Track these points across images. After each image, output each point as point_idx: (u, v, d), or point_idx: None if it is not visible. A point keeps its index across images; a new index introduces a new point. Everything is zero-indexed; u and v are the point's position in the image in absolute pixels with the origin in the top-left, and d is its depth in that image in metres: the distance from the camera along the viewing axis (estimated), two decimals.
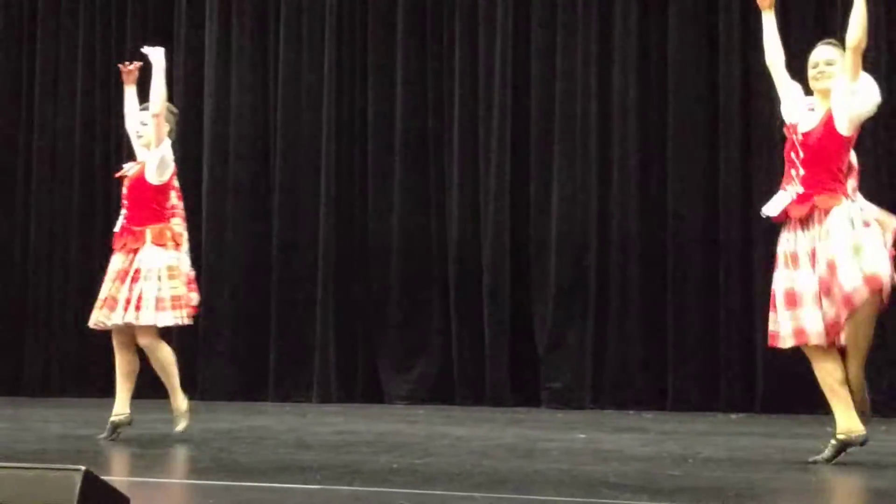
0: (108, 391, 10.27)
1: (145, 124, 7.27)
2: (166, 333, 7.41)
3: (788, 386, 8.42)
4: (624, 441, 7.15)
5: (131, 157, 7.65)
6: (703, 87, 9.37)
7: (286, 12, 10.47)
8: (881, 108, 6.12)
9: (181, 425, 7.18)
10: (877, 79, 6.04)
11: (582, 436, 7.49)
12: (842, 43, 6.03)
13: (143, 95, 7.45)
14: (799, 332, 5.86)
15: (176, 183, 7.36)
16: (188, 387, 7.38)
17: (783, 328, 5.91)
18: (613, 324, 9.46)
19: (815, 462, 5.92)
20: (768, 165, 9.01)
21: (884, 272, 5.73)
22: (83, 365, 10.43)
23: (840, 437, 5.89)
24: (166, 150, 7.20)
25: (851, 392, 5.89)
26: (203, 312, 8.93)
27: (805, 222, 5.91)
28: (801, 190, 5.94)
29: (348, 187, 10.24)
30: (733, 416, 8.82)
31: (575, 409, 9.32)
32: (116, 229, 7.32)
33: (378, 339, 10.09)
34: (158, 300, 7.05)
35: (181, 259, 7.22)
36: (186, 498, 5.52)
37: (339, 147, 10.24)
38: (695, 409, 9.03)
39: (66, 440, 7.24)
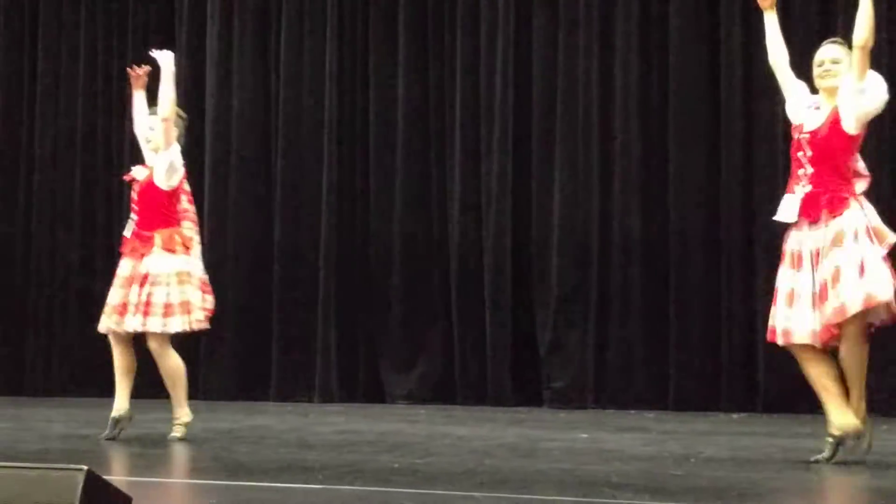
0: (110, 391, 10.28)
1: (153, 129, 7.26)
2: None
3: (790, 385, 8.39)
4: (626, 441, 7.15)
5: (138, 160, 7.64)
6: (705, 86, 9.36)
7: (287, 12, 10.47)
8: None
9: (178, 433, 7.16)
10: None
11: (584, 435, 7.49)
12: (846, 41, 6.03)
13: (151, 99, 7.46)
14: (786, 333, 5.90)
15: (186, 187, 7.36)
16: (189, 386, 7.37)
17: (779, 326, 5.93)
18: (615, 323, 9.46)
19: (816, 462, 5.92)
20: (770, 164, 9.02)
21: (884, 293, 5.72)
22: (85, 364, 10.42)
23: (835, 433, 5.90)
24: (175, 155, 7.19)
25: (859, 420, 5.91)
26: None
27: (813, 221, 5.91)
28: (808, 189, 5.94)
29: (350, 187, 10.24)
30: (735, 415, 8.82)
31: (576, 408, 9.32)
32: (126, 234, 7.29)
33: (380, 338, 10.09)
34: (167, 306, 7.03)
35: (191, 263, 7.20)
36: (188, 497, 5.53)
37: (341, 147, 10.25)
38: (696, 408, 9.03)
39: (69, 440, 7.25)
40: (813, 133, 5.96)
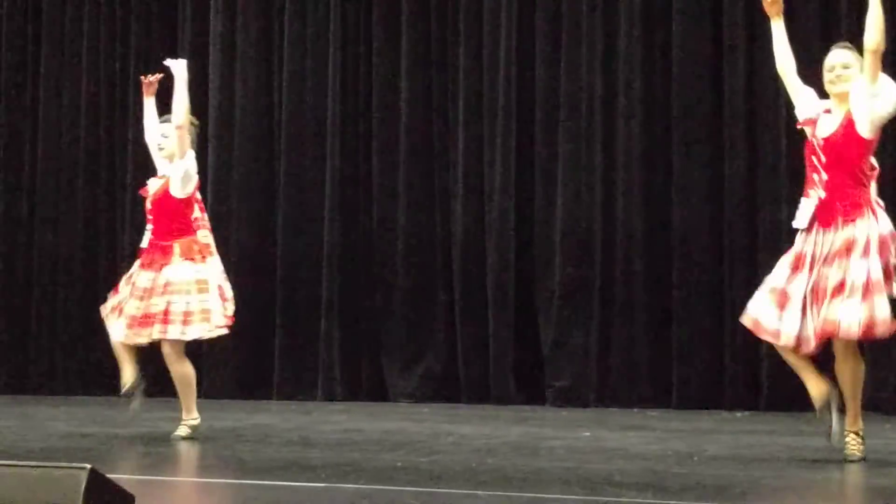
0: (114, 389, 10.32)
1: (166, 136, 7.23)
2: None
3: (793, 384, 8.37)
4: (629, 439, 7.16)
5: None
6: (708, 86, 9.35)
7: (290, 11, 10.46)
8: None
9: (182, 432, 7.15)
10: None
11: (587, 434, 7.49)
12: (855, 45, 6.03)
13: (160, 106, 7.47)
14: (775, 334, 5.92)
15: (198, 195, 7.35)
16: None
17: (764, 317, 5.95)
18: (618, 322, 9.45)
19: (829, 436, 5.92)
20: (773, 164, 9.02)
21: (882, 327, 5.72)
22: (88, 363, 10.43)
23: (818, 404, 5.93)
24: (190, 163, 7.17)
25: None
26: None
27: (826, 227, 5.90)
28: (823, 195, 5.92)
29: (353, 186, 10.24)
30: (738, 413, 8.82)
31: (580, 407, 9.31)
32: (143, 245, 7.26)
33: (383, 337, 10.09)
34: (186, 314, 7.01)
35: (209, 272, 7.18)
36: (191, 496, 5.53)
37: (344, 146, 10.24)
38: (700, 407, 9.02)
39: (72, 438, 7.25)
40: (827, 140, 5.95)
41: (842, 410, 5.97)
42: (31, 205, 10.94)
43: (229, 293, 7.24)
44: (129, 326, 7.08)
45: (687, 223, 9.29)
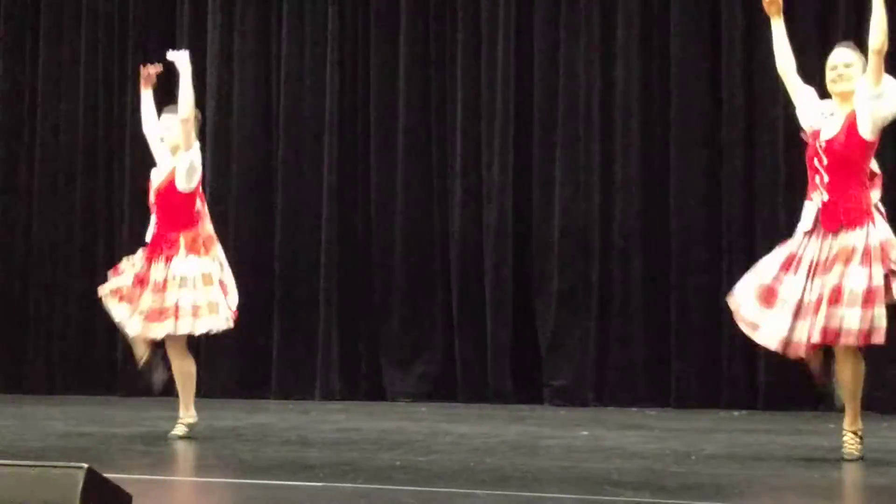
0: (112, 389, 10.33)
1: (170, 129, 7.22)
2: None
3: (790, 383, 8.41)
4: (626, 438, 7.16)
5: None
6: (706, 86, 9.35)
7: (288, 10, 10.46)
8: None
9: (179, 431, 7.15)
10: None
11: (584, 433, 7.50)
12: (858, 45, 6.02)
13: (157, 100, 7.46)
14: (752, 325, 5.92)
15: (200, 189, 7.34)
16: None
17: (744, 307, 5.96)
18: (616, 321, 9.45)
19: (834, 400, 5.99)
20: (771, 164, 9.02)
21: (880, 335, 5.73)
22: (86, 363, 10.43)
23: (816, 372, 6.01)
24: (195, 156, 7.17)
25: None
26: None
27: (828, 231, 5.89)
28: (826, 198, 5.90)
29: (351, 184, 10.24)
30: (736, 413, 8.82)
31: (577, 406, 9.31)
32: (148, 239, 7.25)
33: (381, 336, 10.09)
34: (195, 308, 7.01)
35: (213, 265, 7.17)
36: (189, 495, 5.53)
37: (342, 144, 10.24)
38: (697, 406, 9.02)
39: (69, 438, 7.25)
40: (829, 141, 5.91)
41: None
42: (28, 203, 10.94)
43: (232, 286, 7.24)
44: (148, 319, 7.04)
45: (685, 223, 9.29)
